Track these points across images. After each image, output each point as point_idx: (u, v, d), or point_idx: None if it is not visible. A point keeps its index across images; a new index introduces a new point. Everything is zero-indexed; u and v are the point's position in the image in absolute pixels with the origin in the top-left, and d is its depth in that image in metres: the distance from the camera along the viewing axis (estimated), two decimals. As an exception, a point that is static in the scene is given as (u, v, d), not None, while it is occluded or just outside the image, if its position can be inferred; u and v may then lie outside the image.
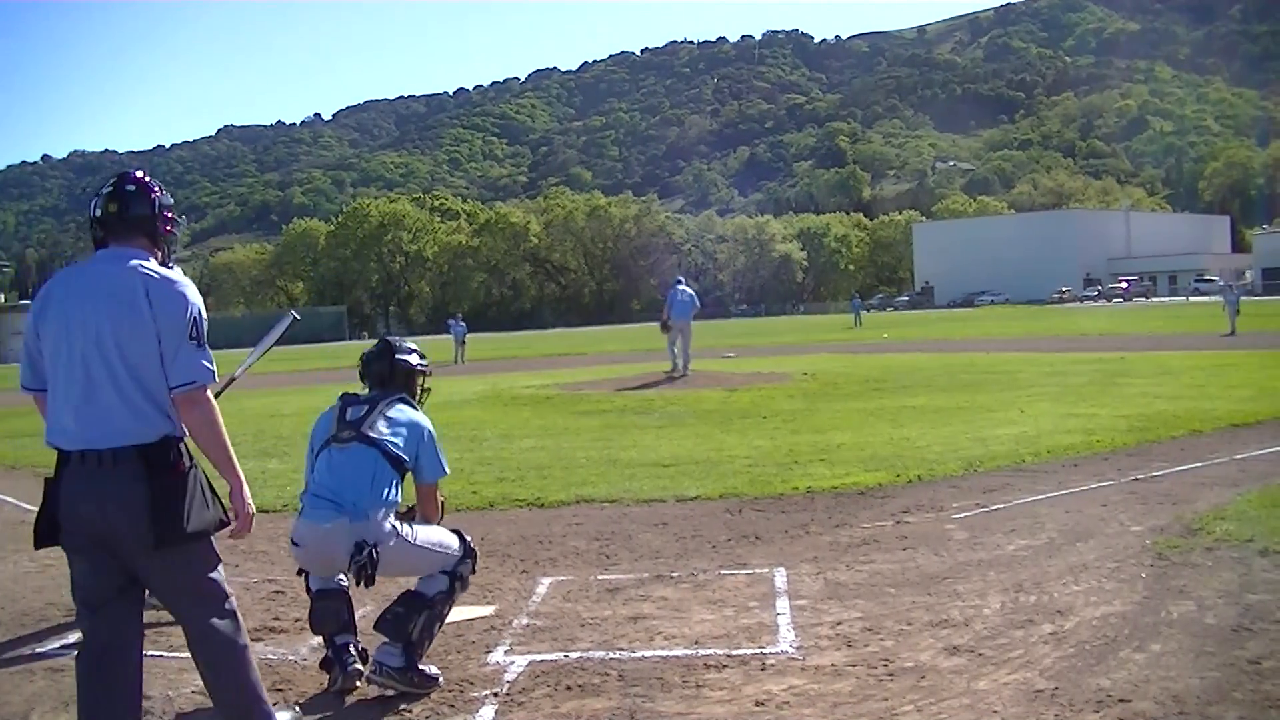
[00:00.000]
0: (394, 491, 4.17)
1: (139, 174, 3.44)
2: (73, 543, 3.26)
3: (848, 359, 24.76)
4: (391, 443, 4.20)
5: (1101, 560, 5.68)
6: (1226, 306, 29.68)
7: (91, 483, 3.17)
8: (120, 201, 3.33)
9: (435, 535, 4.31)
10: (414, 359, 4.56)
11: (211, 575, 3.34)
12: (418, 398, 4.57)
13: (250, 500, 3.37)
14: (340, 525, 4.04)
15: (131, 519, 3.15)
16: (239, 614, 3.41)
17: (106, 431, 3.19)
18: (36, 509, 3.35)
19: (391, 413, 4.28)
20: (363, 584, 4.06)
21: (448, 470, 4.41)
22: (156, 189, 3.41)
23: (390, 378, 4.46)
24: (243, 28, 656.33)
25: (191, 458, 3.33)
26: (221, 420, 3.31)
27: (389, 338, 4.66)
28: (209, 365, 3.28)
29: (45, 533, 3.28)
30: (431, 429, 4.36)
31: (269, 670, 4.54)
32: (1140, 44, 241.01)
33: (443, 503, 4.46)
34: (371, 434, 4.19)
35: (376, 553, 4.02)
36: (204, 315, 3.32)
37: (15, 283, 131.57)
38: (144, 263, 3.29)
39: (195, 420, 3.27)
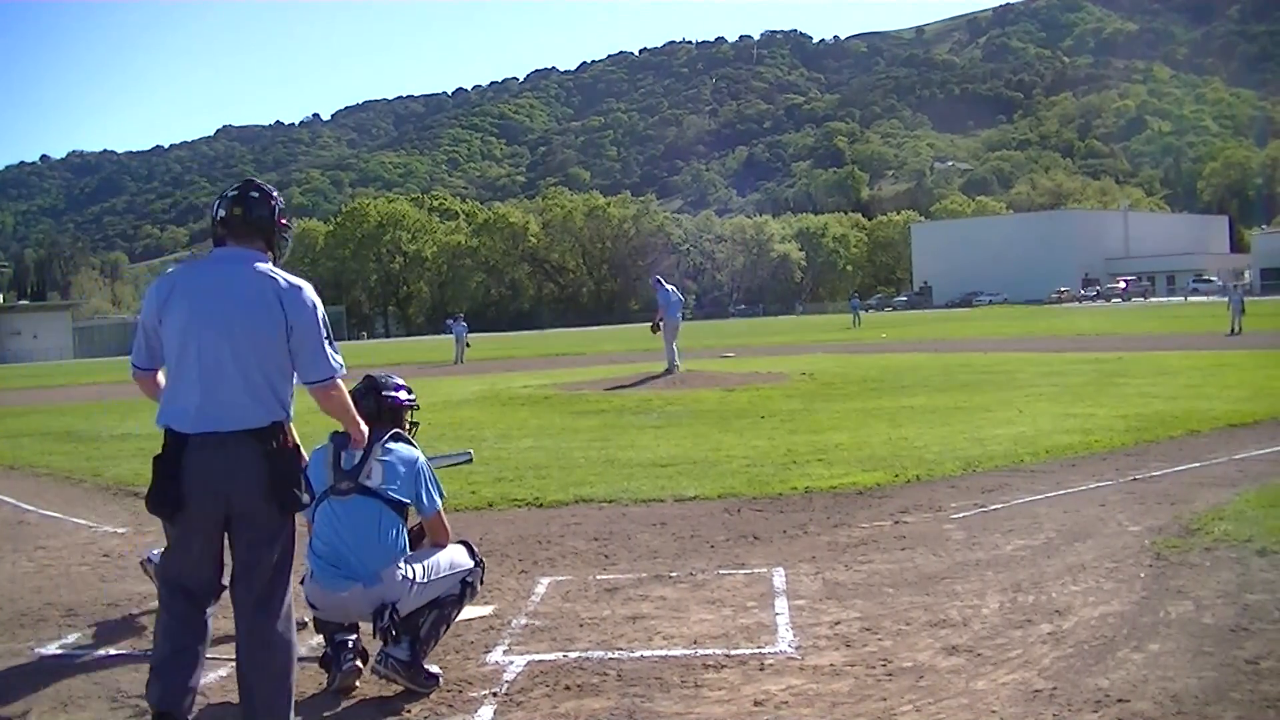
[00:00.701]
0: (401, 535, 4.24)
1: (260, 182, 3.78)
2: (194, 515, 3.50)
3: (846, 359, 24.76)
4: (391, 489, 4.22)
5: (1100, 560, 5.68)
6: (1230, 306, 29.87)
7: (215, 459, 3.45)
8: (245, 205, 3.66)
9: (446, 559, 4.36)
10: (401, 395, 4.53)
11: (285, 575, 3.62)
12: (409, 426, 4.57)
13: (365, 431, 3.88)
14: (355, 592, 4.10)
15: (255, 488, 3.47)
16: (293, 621, 3.66)
17: (227, 417, 3.48)
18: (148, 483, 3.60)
19: (386, 456, 4.26)
20: (389, 643, 4.11)
21: (444, 498, 4.44)
22: (275, 195, 3.75)
23: (378, 415, 4.40)
24: (241, 28, 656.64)
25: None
26: (350, 401, 3.82)
27: (372, 374, 4.61)
28: (339, 359, 3.68)
29: (170, 504, 3.49)
30: (425, 460, 4.38)
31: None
32: (1138, 44, 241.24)
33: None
34: (369, 484, 4.20)
35: (397, 611, 4.11)
36: (326, 315, 3.72)
37: (14, 283, 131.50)
38: (272, 268, 3.64)
39: (333, 406, 3.74)
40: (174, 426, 3.50)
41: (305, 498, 3.63)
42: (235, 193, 3.70)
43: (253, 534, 3.54)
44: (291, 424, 3.63)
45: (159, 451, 3.52)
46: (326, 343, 3.62)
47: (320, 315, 3.62)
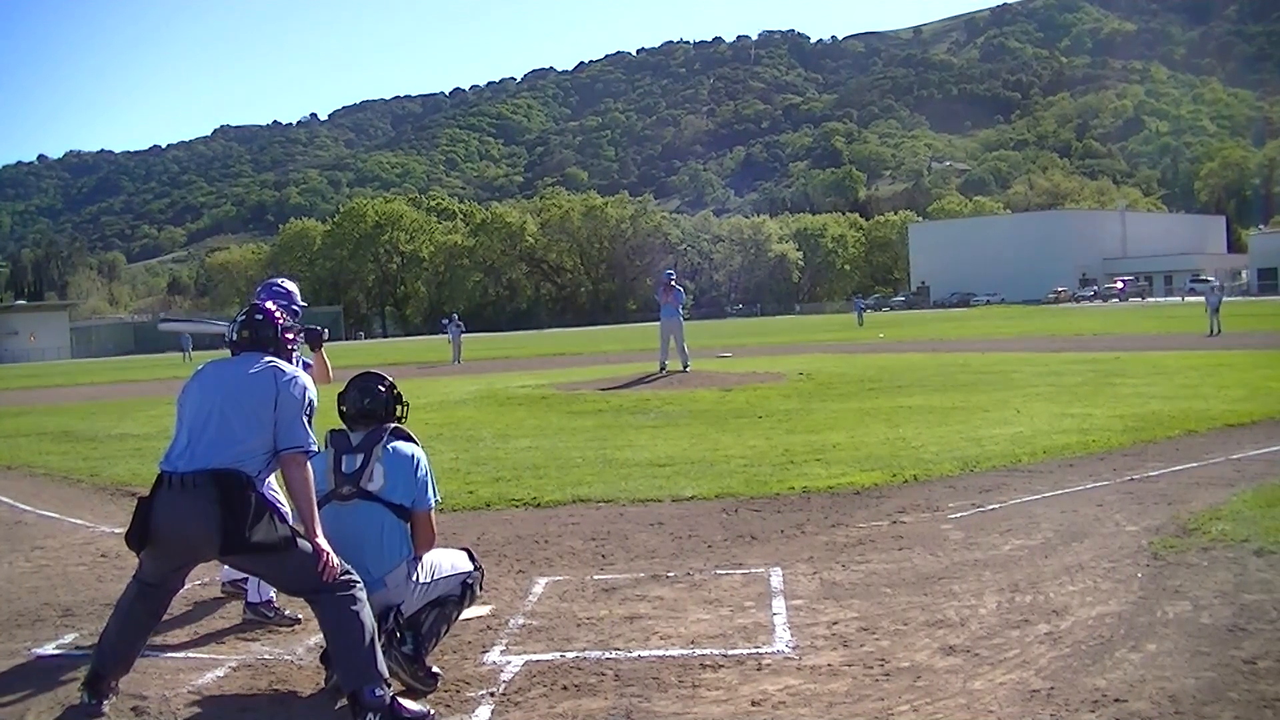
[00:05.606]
0: (405, 539, 4.25)
1: (263, 305, 4.37)
2: (159, 548, 3.97)
3: (843, 359, 24.75)
4: (392, 493, 4.22)
5: (1097, 560, 5.68)
6: (1208, 308, 29.79)
7: (180, 499, 3.87)
8: (251, 329, 4.25)
9: (448, 561, 4.39)
10: (385, 384, 4.49)
11: (302, 568, 3.88)
12: (401, 418, 4.53)
13: (324, 546, 3.93)
14: None
15: (211, 527, 3.83)
16: (353, 589, 3.91)
17: (200, 458, 3.91)
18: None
19: (388, 458, 4.27)
20: (393, 643, 4.11)
21: (439, 500, 4.45)
22: (278, 317, 4.31)
23: (370, 410, 4.41)
24: (239, 28, 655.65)
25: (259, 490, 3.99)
26: (313, 483, 4.03)
27: (362, 374, 4.58)
28: (312, 438, 4.06)
29: (136, 540, 3.99)
30: (426, 460, 4.39)
31: (265, 670, 4.55)
32: (1136, 44, 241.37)
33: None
34: (372, 489, 4.21)
35: (402, 614, 4.15)
36: (315, 400, 4.15)
37: (11, 283, 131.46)
38: (276, 360, 4.17)
39: (295, 478, 4.00)
40: (160, 467, 4.00)
41: (258, 539, 3.81)
42: (244, 318, 4.28)
43: (238, 563, 4.08)
44: (265, 482, 4.06)
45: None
46: (305, 419, 4.04)
47: (308, 397, 4.09)
